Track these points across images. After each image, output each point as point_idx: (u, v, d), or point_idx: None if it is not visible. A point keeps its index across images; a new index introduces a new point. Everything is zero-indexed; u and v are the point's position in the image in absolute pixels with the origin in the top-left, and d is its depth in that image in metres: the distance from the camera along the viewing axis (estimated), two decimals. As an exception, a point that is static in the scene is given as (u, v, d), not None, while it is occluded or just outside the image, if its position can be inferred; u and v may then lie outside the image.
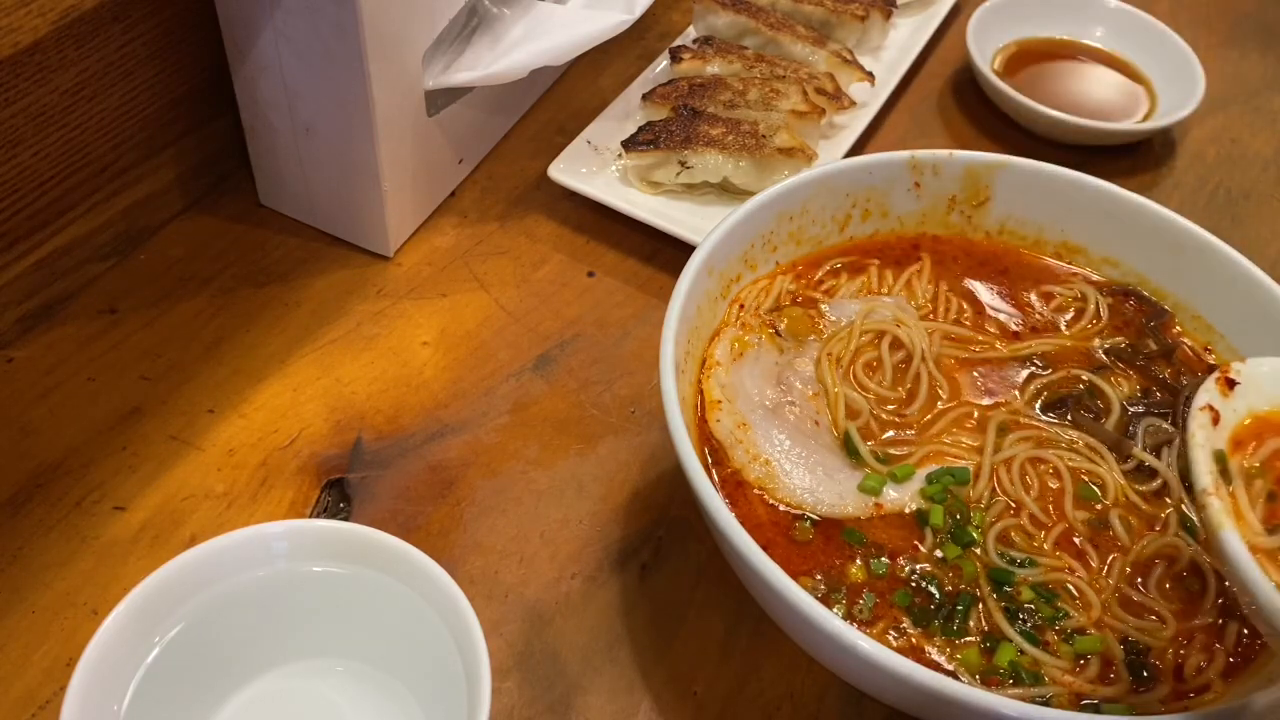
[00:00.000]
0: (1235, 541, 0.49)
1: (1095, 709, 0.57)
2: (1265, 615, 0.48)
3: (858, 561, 0.63)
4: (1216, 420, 0.54)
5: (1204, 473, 0.52)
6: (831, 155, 0.95)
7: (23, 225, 0.77)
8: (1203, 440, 0.53)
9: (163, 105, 0.84)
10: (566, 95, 1.05)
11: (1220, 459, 0.53)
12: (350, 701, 0.58)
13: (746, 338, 0.72)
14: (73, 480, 0.72)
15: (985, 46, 1.08)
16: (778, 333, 0.73)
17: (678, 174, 0.90)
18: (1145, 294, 0.76)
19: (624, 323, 0.85)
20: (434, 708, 0.57)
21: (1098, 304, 0.76)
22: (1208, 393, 0.55)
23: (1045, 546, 0.64)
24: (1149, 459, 0.67)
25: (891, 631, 0.60)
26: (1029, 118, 1.03)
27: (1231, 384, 0.55)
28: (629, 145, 0.90)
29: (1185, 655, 0.60)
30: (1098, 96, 1.09)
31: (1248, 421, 0.55)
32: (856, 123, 0.99)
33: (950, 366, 0.73)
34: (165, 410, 0.76)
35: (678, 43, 1.04)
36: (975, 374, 0.72)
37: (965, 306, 0.76)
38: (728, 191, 0.92)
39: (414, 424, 0.77)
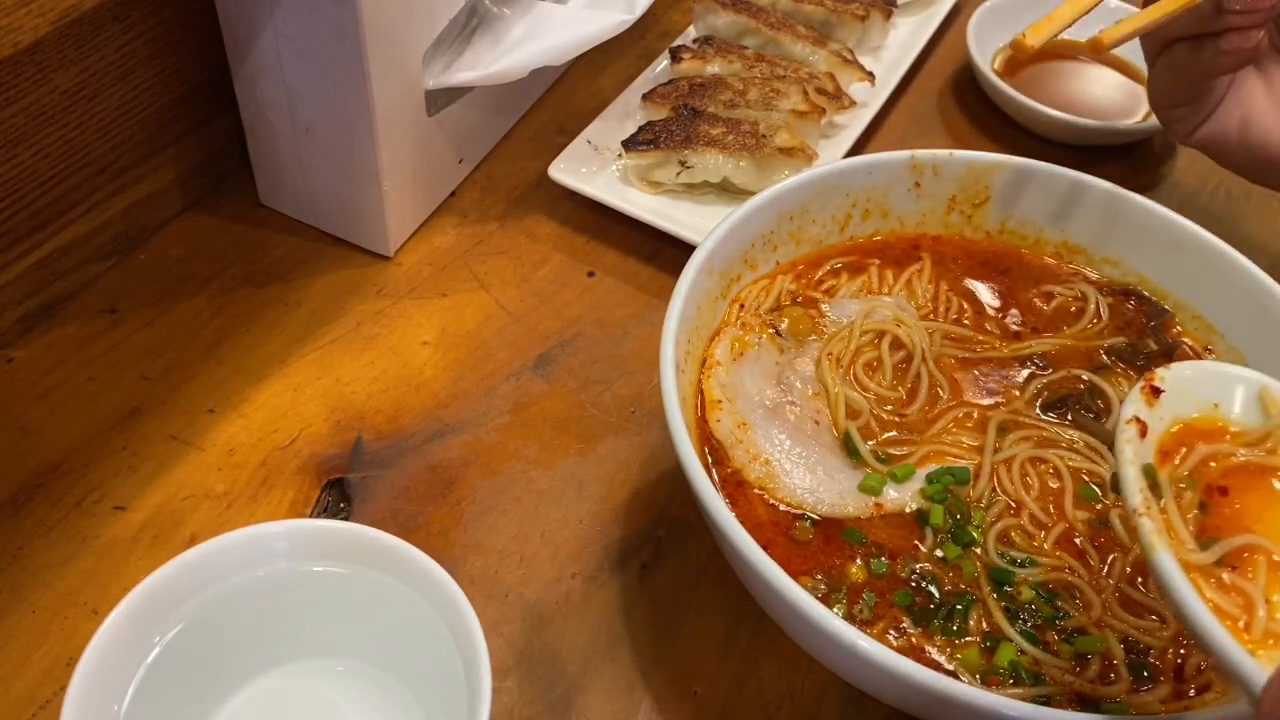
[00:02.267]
0: (1169, 564, 0.48)
1: (1095, 708, 0.57)
2: (1201, 640, 0.46)
3: (858, 561, 0.63)
4: (1144, 432, 0.52)
5: (1134, 490, 0.50)
6: (831, 155, 0.95)
7: (23, 225, 0.77)
8: (1131, 455, 0.51)
9: (163, 105, 0.84)
10: (566, 95, 1.05)
11: (1150, 473, 0.51)
12: (350, 701, 0.58)
13: (747, 337, 0.72)
14: (73, 480, 0.72)
15: (985, 46, 1.08)
16: (778, 332, 0.73)
17: (678, 174, 0.90)
18: (1145, 294, 0.76)
19: (624, 322, 0.85)
20: (434, 708, 0.57)
21: (1098, 304, 0.76)
22: (1134, 404, 0.53)
23: (1045, 546, 0.64)
24: (1149, 459, 0.67)
25: (891, 631, 0.60)
26: (1029, 118, 1.03)
27: (1157, 392, 0.54)
28: (629, 145, 0.90)
29: (1185, 655, 0.60)
30: (1098, 96, 1.09)
31: (1175, 429, 0.54)
32: (856, 123, 0.99)
33: (950, 366, 0.73)
34: (165, 410, 0.76)
35: (678, 43, 1.04)
36: (975, 374, 0.72)
37: (965, 306, 0.76)
38: (728, 191, 0.92)
39: (414, 424, 0.77)
